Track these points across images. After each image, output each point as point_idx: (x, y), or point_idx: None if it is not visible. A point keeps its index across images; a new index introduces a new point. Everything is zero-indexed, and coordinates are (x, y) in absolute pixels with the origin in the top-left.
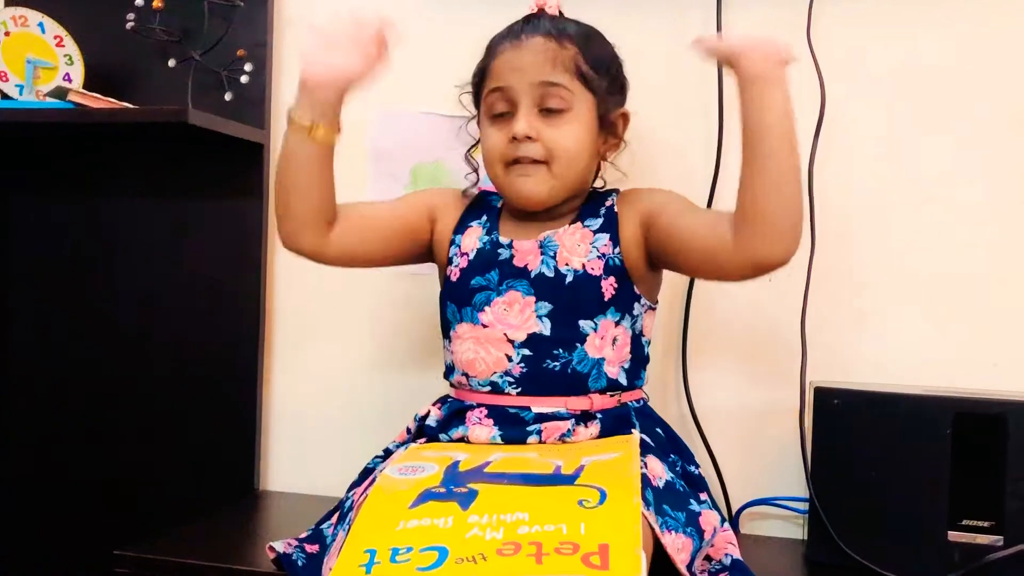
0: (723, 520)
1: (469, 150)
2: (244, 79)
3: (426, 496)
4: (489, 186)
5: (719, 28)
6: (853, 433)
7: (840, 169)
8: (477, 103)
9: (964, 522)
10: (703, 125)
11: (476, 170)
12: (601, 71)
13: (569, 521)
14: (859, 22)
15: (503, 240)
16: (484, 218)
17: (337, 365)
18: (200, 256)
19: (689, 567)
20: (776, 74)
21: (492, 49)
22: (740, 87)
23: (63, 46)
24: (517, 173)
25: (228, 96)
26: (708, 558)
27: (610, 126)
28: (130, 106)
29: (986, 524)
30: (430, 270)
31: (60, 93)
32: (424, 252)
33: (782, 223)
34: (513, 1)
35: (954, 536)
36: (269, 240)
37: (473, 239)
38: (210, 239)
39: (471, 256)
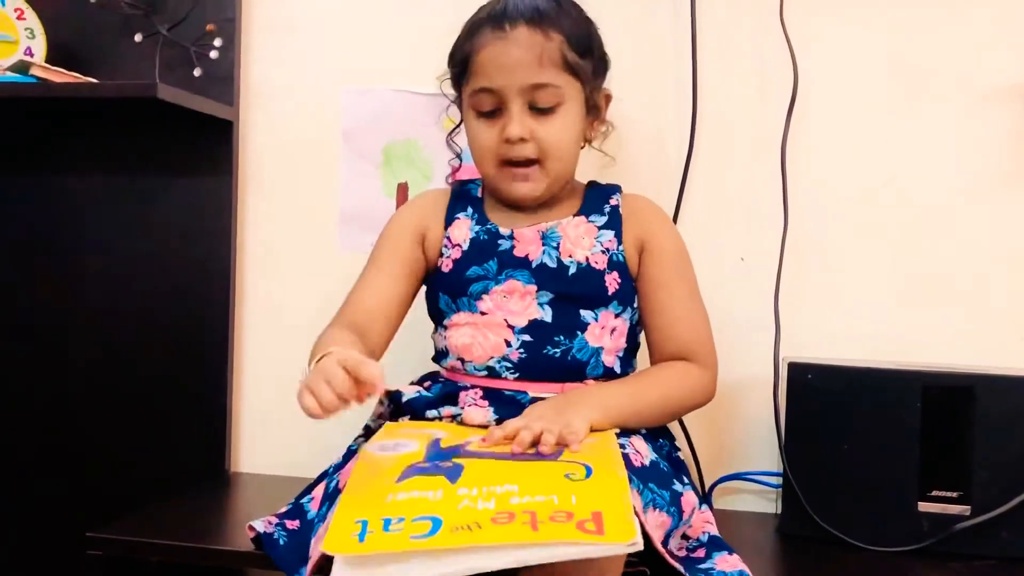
0: (701, 502)
1: (450, 134)
2: (214, 55)
3: (412, 471)
4: (466, 173)
5: (693, 11)
6: (826, 407)
7: (812, 148)
8: (457, 85)
9: (933, 493)
10: (676, 107)
11: (459, 155)
12: (586, 54)
13: (560, 493)
14: (831, 2)
15: (503, 231)
16: (470, 209)
17: (308, 344)
18: (168, 235)
19: (664, 544)
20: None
21: (473, 36)
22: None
23: (24, 19)
24: (512, 175)
25: (197, 72)
26: (686, 536)
27: (595, 108)
28: (95, 81)
29: (954, 495)
30: None
31: (22, 67)
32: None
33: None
34: None
35: (924, 507)
36: (238, 218)
37: (464, 230)
38: (178, 218)
39: (464, 246)
